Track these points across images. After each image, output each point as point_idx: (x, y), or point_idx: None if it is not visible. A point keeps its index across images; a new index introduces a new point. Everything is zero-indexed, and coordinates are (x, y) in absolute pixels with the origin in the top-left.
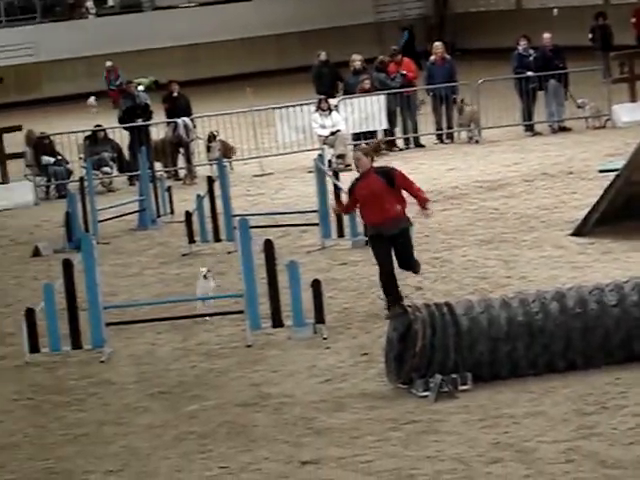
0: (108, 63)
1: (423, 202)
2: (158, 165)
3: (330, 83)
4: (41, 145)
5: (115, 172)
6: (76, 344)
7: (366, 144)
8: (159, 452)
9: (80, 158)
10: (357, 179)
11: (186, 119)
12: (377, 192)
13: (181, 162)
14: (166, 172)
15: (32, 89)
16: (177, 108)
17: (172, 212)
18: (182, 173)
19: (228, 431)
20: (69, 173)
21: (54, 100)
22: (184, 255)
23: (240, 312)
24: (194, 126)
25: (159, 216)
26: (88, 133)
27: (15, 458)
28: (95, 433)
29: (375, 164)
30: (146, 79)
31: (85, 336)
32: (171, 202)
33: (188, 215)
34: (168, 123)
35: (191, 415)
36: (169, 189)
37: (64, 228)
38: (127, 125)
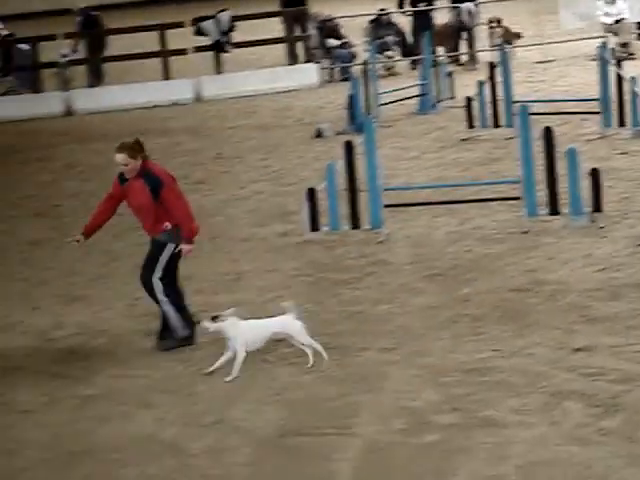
0: None
1: (186, 233)
2: (440, 50)
3: None
4: (326, 28)
5: (398, 56)
6: (355, 224)
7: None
8: (432, 332)
9: (364, 41)
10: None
11: (470, 4)
12: (141, 207)
13: (463, 47)
14: (448, 57)
15: None
16: None
17: (452, 97)
18: (464, 58)
19: (501, 315)
20: (353, 56)
21: None
22: (463, 140)
23: (517, 198)
24: (478, 11)
25: (439, 101)
26: (373, 17)
27: None
28: (370, 311)
29: None
30: None
31: (364, 217)
32: (452, 87)
33: (468, 100)
34: (452, 8)
35: (465, 298)
36: (450, 74)
37: (347, 110)
38: (411, 9)
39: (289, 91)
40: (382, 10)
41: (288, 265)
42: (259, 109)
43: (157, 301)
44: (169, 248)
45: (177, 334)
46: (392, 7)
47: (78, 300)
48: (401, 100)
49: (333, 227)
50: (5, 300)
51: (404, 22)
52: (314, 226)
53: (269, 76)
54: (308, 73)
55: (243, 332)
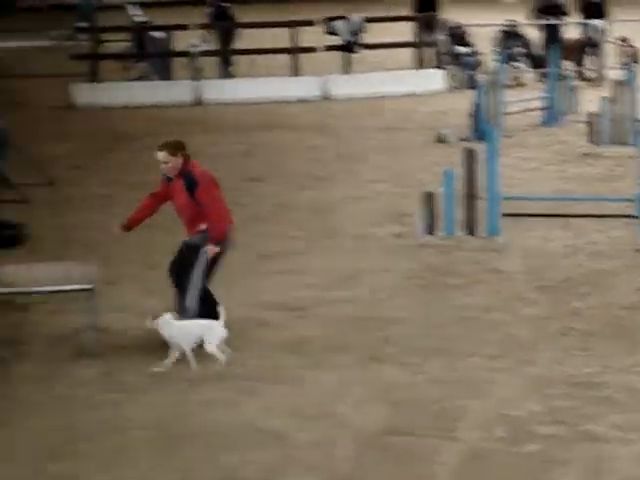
0: None
1: (212, 233)
2: (567, 64)
3: None
4: (456, 35)
5: (525, 67)
6: (471, 231)
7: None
8: (540, 343)
9: (493, 51)
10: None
11: (599, 21)
12: (181, 207)
13: (590, 63)
14: (575, 72)
15: None
16: (592, 10)
17: (577, 111)
18: (590, 74)
19: (611, 331)
20: (480, 64)
21: None
22: (584, 155)
23: (633, 216)
24: (606, 29)
25: (564, 114)
26: (502, 27)
27: (401, 333)
28: (481, 318)
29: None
30: None
31: (480, 224)
32: (577, 101)
33: (592, 116)
34: (581, 24)
35: (575, 312)
36: (576, 88)
37: (470, 118)
38: (540, 22)
39: (415, 95)
40: (512, 21)
41: (402, 266)
42: (384, 111)
43: (184, 307)
44: (204, 252)
45: None
46: (522, 18)
47: None
48: (525, 111)
49: (448, 232)
50: (121, 282)
51: (533, 34)
52: (430, 230)
53: (396, 79)
54: (434, 78)
55: (178, 331)
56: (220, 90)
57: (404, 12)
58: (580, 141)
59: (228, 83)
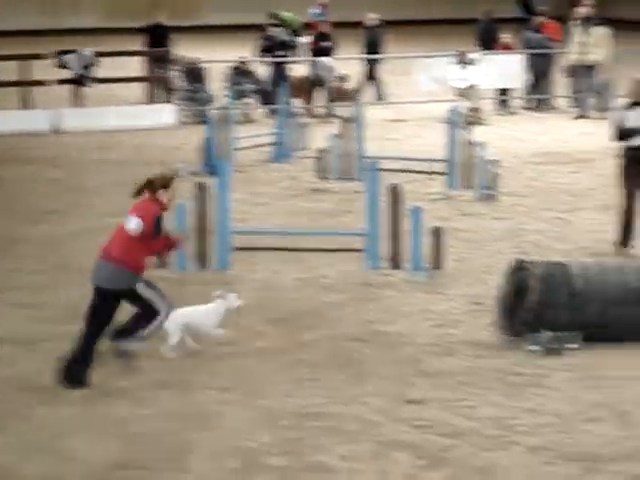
0: None
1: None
2: (297, 101)
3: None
4: (188, 70)
5: (255, 104)
6: (202, 264)
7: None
8: (271, 376)
9: (224, 87)
10: None
11: (327, 59)
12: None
13: (319, 100)
14: (304, 109)
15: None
16: (321, 48)
17: (306, 147)
18: (319, 111)
19: (339, 363)
20: (211, 100)
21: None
22: (313, 190)
23: (360, 250)
24: (334, 66)
25: (293, 150)
26: (234, 64)
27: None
28: (212, 350)
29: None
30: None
31: (211, 258)
32: (306, 138)
33: (320, 152)
34: (310, 61)
35: (304, 344)
36: (305, 125)
37: (201, 152)
38: (269, 60)
39: (146, 129)
40: (242, 58)
41: None
42: (117, 145)
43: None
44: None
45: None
46: (252, 56)
47: None
48: (256, 147)
49: (180, 266)
50: None
51: (262, 71)
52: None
53: (128, 113)
54: (166, 113)
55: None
56: None
57: (137, 47)
58: (309, 176)
59: None
